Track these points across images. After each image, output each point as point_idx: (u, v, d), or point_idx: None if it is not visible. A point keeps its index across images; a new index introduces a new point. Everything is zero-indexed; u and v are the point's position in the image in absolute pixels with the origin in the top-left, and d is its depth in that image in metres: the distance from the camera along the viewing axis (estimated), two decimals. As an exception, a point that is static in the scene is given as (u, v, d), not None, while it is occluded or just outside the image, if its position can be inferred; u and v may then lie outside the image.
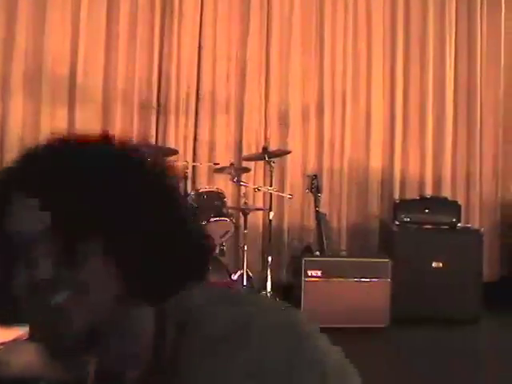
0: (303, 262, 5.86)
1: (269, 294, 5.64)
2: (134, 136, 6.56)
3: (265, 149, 5.71)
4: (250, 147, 6.75)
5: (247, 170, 5.87)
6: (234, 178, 5.55)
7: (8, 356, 3.45)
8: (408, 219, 6.48)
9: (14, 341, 3.54)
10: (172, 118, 6.61)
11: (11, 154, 6.23)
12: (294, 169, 6.85)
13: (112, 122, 6.52)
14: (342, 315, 5.77)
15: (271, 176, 5.81)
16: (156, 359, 1.13)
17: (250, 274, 5.73)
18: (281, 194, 5.83)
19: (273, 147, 6.39)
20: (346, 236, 7.05)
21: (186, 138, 6.62)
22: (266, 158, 5.65)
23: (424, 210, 6.49)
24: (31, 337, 3.37)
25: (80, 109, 6.42)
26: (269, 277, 5.66)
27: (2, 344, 3.49)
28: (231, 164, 5.73)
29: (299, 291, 5.81)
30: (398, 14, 7.14)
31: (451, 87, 7.24)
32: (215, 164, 5.94)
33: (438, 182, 7.20)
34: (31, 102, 6.33)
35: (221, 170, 5.88)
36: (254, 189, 5.73)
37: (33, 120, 6.32)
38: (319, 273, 5.83)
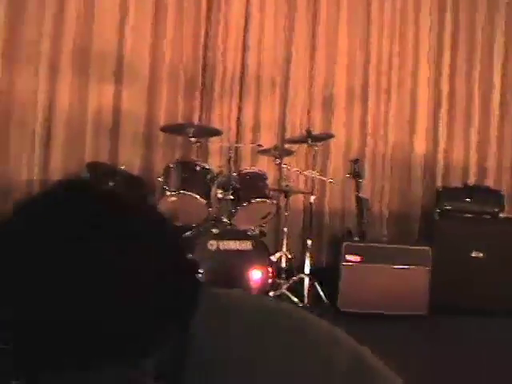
0: (343, 246, 5.86)
1: (307, 277, 5.65)
2: (179, 115, 6.60)
3: (308, 132, 5.69)
4: (294, 129, 6.75)
5: (291, 152, 5.86)
6: (276, 161, 5.56)
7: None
8: (450, 207, 6.42)
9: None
10: (216, 98, 6.62)
11: (59, 131, 6.34)
12: (337, 153, 6.83)
13: (158, 101, 6.57)
14: (380, 301, 5.77)
15: (314, 159, 5.79)
16: None
17: (289, 256, 5.74)
18: (323, 178, 5.81)
19: (316, 130, 6.39)
20: (387, 222, 7.00)
21: (229, 118, 6.63)
22: (310, 142, 5.63)
23: (466, 199, 6.43)
24: None
25: (126, 87, 6.48)
26: (307, 260, 5.67)
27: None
28: (275, 146, 5.73)
29: (337, 275, 5.81)
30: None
31: (499, 74, 7.13)
32: (259, 146, 5.95)
33: (481, 171, 7.12)
34: (79, 80, 6.39)
35: (264, 152, 5.89)
36: (298, 171, 5.73)
37: (80, 97, 6.39)
38: (358, 258, 5.82)
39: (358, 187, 6.52)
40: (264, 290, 5.15)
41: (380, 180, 7.00)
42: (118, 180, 5.38)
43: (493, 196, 6.49)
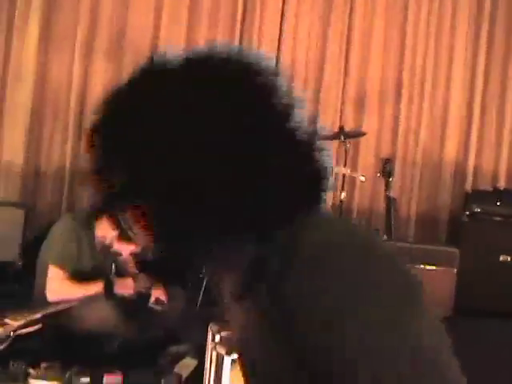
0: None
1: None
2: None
3: (341, 128, 5.71)
4: (326, 125, 6.76)
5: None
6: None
7: (83, 312, 3.61)
8: (479, 210, 6.41)
9: (89, 297, 3.69)
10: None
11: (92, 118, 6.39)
12: (367, 151, 6.84)
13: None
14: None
15: (345, 156, 5.82)
16: (256, 283, 1.11)
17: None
18: (354, 175, 5.83)
19: (348, 127, 6.41)
20: (415, 224, 7.00)
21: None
22: (342, 138, 5.66)
23: (496, 202, 6.41)
24: (106, 294, 3.51)
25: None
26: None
27: (76, 300, 3.63)
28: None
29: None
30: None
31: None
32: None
33: (510, 176, 7.10)
34: (113, 66, 6.45)
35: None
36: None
37: (114, 83, 6.42)
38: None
39: (387, 187, 6.52)
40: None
41: (409, 181, 6.99)
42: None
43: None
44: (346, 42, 6.86)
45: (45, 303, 3.77)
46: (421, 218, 7.04)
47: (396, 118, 6.97)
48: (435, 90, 7.05)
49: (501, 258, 6.20)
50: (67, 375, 3.18)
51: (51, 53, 6.33)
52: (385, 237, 6.19)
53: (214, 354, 2.66)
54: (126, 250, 3.90)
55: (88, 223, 3.90)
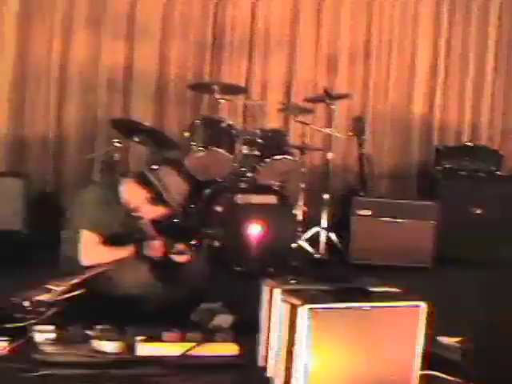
0: (353, 201, 6.12)
1: (323, 231, 5.91)
2: (190, 72, 6.74)
3: (326, 91, 5.91)
4: (300, 87, 6.96)
5: (310, 111, 6.08)
6: (296, 118, 5.78)
7: (120, 274, 3.74)
8: (450, 165, 6.74)
9: (124, 260, 3.81)
10: (226, 55, 6.77)
11: (72, 87, 6.43)
12: (340, 111, 7.02)
13: (168, 58, 6.69)
14: (389, 254, 6.05)
15: (330, 118, 6.02)
16: None
17: (305, 209, 5.98)
18: (338, 134, 6.04)
19: (320, 88, 6.62)
20: (386, 179, 7.29)
21: (239, 76, 6.79)
22: (328, 101, 5.86)
23: (465, 157, 6.74)
24: (138, 257, 3.66)
25: (138, 45, 6.58)
26: (324, 214, 5.92)
27: (110, 264, 3.75)
28: (295, 105, 5.95)
29: (349, 229, 6.08)
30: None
31: (493, 37, 7.42)
32: (283, 104, 6.16)
33: (474, 131, 7.45)
34: (92, 37, 6.47)
35: (285, 110, 6.10)
36: (317, 129, 5.95)
37: (94, 54, 6.48)
38: (369, 212, 6.08)
39: (361, 144, 6.77)
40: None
41: (380, 138, 7.25)
42: (143, 136, 5.51)
43: (491, 155, 6.83)
44: (317, 3, 7.01)
45: (76, 268, 3.86)
46: (391, 174, 7.32)
47: (366, 77, 7.20)
48: (401, 49, 7.32)
49: (473, 211, 6.53)
50: (127, 335, 3.30)
51: (31, 27, 6.31)
52: (361, 193, 6.44)
53: (286, 306, 2.83)
54: (152, 213, 4.04)
55: (115, 189, 4.01)
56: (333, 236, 5.97)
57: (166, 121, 6.66)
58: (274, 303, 3.05)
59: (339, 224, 6.25)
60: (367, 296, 2.98)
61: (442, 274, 6.05)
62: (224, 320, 3.72)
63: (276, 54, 6.93)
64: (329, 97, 5.86)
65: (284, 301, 2.86)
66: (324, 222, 5.93)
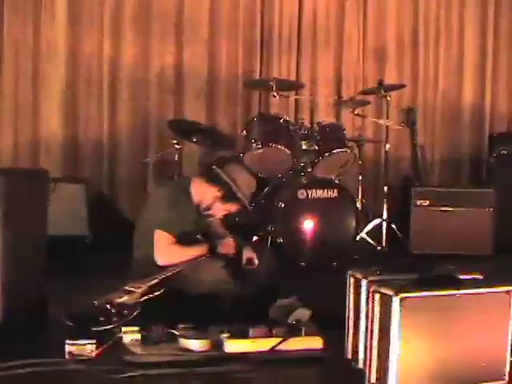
0: (412, 191, 6.09)
1: (385, 222, 5.89)
2: (239, 71, 6.75)
3: (381, 82, 5.89)
4: (349, 81, 6.94)
5: (367, 103, 6.06)
6: (355, 111, 5.77)
7: (196, 273, 3.76)
8: (505, 152, 6.67)
9: (198, 259, 3.82)
10: (275, 52, 6.78)
11: (123, 89, 6.48)
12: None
13: (217, 57, 6.71)
14: (449, 243, 6.00)
15: (387, 109, 6.00)
16: None
17: (364, 201, 5.97)
18: (396, 126, 6.02)
19: (370, 81, 6.60)
20: (438, 167, 7.25)
21: (288, 73, 6.80)
22: (383, 92, 5.83)
23: (522, 143, 6.68)
24: (211, 255, 3.66)
25: (187, 45, 6.62)
26: (385, 205, 5.90)
27: (185, 263, 3.77)
28: (352, 98, 5.95)
29: (408, 220, 6.05)
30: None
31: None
32: (339, 97, 6.16)
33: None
34: (141, 38, 6.52)
35: (341, 104, 6.10)
36: (375, 121, 5.94)
37: (143, 55, 6.52)
38: (427, 202, 6.05)
39: (413, 135, 6.74)
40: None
41: (430, 127, 7.20)
42: (201, 135, 5.54)
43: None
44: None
45: (149, 268, 3.88)
46: (443, 162, 7.27)
47: (415, 68, 7.16)
48: (449, 38, 7.27)
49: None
50: (210, 332, 3.33)
51: (80, 29, 6.37)
52: (416, 183, 6.41)
53: (377, 296, 2.83)
54: (223, 211, 4.06)
55: (185, 189, 4.04)
56: (394, 227, 5.93)
57: (218, 120, 6.67)
58: (363, 294, 3.04)
59: (399, 215, 6.21)
60: (456, 283, 2.96)
61: (501, 262, 5.99)
62: (302, 314, 3.71)
63: (324, 49, 6.92)
64: (384, 88, 5.83)
65: (376, 291, 2.84)
66: (385, 214, 5.89)
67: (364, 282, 3.07)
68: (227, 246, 4.03)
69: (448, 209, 6.08)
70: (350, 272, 3.20)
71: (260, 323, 3.47)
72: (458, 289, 2.88)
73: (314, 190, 5.32)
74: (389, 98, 5.92)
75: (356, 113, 5.81)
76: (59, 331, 3.40)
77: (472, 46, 7.28)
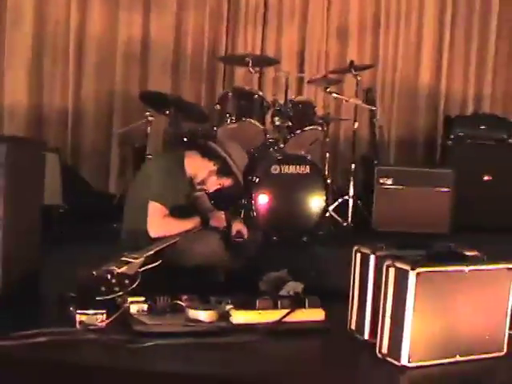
0: (376, 170, 6.22)
1: (351, 199, 6.01)
2: (205, 43, 6.75)
3: (352, 63, 5.99)
4: (312, 58, 7.02)
5: (338, 81, 6.15)
6: (327, 89, 5.85)
7: (193, 245, 3.79)
8: (462, 134, 6.87)
9: (191, 231, 3.85)
10: (241, 26, 6.80)
11: (90, 60, 6.40)
12: (351, 82, 7.09)
13: (184, 30, 6.68)
14: (409, 221, 6.16)
15: (356, 88, 6.10)
16: None
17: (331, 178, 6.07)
18: (365, 105, 6.12)
19: (332, 59, 6.72)
20: (394, 148, 7.42)
21: (253, 48, 6.83)
22: (353, 72, 5.93)
23: (478, 126, 6.88)
24: (203, 228, 3.69)
25: (154, 17, 6.58)
26: (351, 183, 6.02)
27: (177, 235, 3.79)
28: (324, 75, 6.03)
29: (372, 197, 6.19)
30: None
31: (496, 9, 7.56)
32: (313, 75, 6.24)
33: (478, 100, 7.60)
34: (108, 9, 6.44)
35: (313, 82, 6.17)
36: (345, 100, 6.02)
37: (110, 27, 6.46)
38: (390, 180, 6.19)
39: (372, 115, 6.88)
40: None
41: (388, 108, 7.36)
42: (174, 108, 5.53)
43: (501, 123, 6.98)
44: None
45: (140, 240, 3.89)
46: (400, 142, 7.45)
47: (375, 49, 7.29)
48: (408, 21, 7.41)
49: (484, 178, 6.69)
50: (215, 304, 3.37)
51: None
52: (375, 161, 6.55)
53: (392, 270, 2.92)
54: (217, 185, 4.09)
55: (180, 162, 4.04)
56: (358, 204, 6.07)
57: (182, 92, 6.66)
58: (370, 269, 3.14)
59: (363, 193, 6.35)
60: (463, 259, 3.09)
61: (458, 240, 6.16)
62: (294, 287, 3.79)
63: (288, 26, 6.96)
64: (354, 68, 5.93)
65: (391, 266, 2.94)
66: (351, 191, 6.01)
67: (372, 257, 3.16)
68: (218, 218, 4.07)
69: (409, 188, 6.23)
70: (355, 247, 3.29)
71: (251, 295, 3.52)
72: (466, 265, 3.00)
73: (286, 166, 5.38)
74: (359, 78, 6.01)
75: (328, 91, 5.86)
76: (58, 301, 3.38)
77: (430, 29, 7.44)
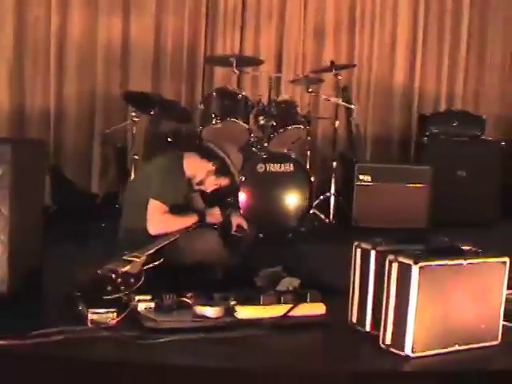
0: (355, 167, 6.37)
1: (333, 196, 6.14)
2: (185, 44, 6.82)
3: (332, 62, 6.12)
4: (290, 58, 7.14)
5: (321, 81, 6.26)
6: (309, 89, 5.97)
7: (196, 243, 3.87)
8: (437, 131, 7.05)
9: (189, 228, 3.92)
10: (220, 27, 6.89)
11: (71, 62, 6.44)
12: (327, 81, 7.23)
13: (164, 31, 6.75)
14: (388, 217, 6.32)
15: (337, 88, 6.23)
16: None
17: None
18: (346, 104, 6.25)
19: (309, 58, 6.85)
20: (370, 145, 7.58)
21: (232, 48, 6.92)
22: (334, 71, 6.06)
23: (451, 123, 7.07)
24: (203, 225, 3.80)
25: (134, 19, 6.63)
26: (333, 180, 6.14)
27: (176, 233, 3.87)
28: (306, 76, 6.14)
29: (352, 193, 6.33)
30: None
31: (467, 10, 7.77)
32: (297, 75, 6.34)
33: (450, 98, 7.80)
34: (88, 11, 6.48)
35: (296, 81, 6.28)
36: (327, 99, 6.15)
37: (90, 28, 6.50)
38: (369, 177, 6.34)
39: (349, 113, 7.02)
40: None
41: (364, 106, 7.51)
42: (159, 108, 5.60)
43: (474, 120, 7.18)
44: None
45: (138, 238, 3.96)
46: (375, 140, 7.61)
47: (351, 48, 7.43)
48: (383, 22, 7.57)
49: (458, 173, 6.88)
50: (219, 300, 3.46)
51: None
52: (354, 159, 6.69)
53: (395, 264, 3.05)
54: (215, 185, 4.19)
55: (179, 163, 4.13)
56: (341, 201, 6.20)
57: (163, 92, 6.70)
58: (371, 263, 3.27)
59: (344, 190, 6.48)
60: (461, 253, 3.23)
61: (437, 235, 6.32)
62: (291, 283, 3.88)
63: (266, 27, 7.07)
64: (335, 68, 6.06)
65: (394, 260, 3.06)
66: (332, 188, 6.14)
67: (373, 252, 3.29)
68: (214, 215, 4.16)
69: (388, 184, 6.38)
70: (355, 243, 3.41)
71: (248, 291, 3.61)
72: (464, 258, 3.15)
73: (271, 164, 5.50)
74: (340, 78, 6.14)
75: (310, 90, 5.99)
76: (65, 300, 3.45)
77: (404, 29, 7.61)
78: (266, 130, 5.72)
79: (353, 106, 6.36)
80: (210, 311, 3.34)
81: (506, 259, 3.25)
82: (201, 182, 4.13)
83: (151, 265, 3.72)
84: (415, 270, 2.98)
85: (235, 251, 4.20)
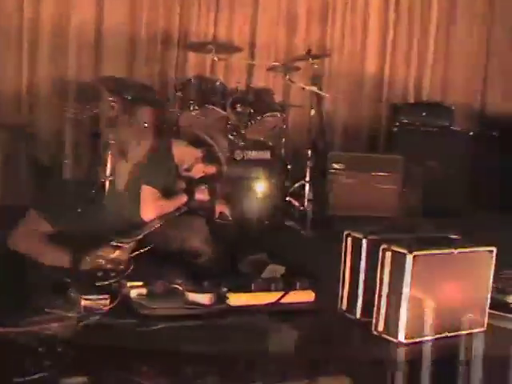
0: (328, 156, 6.42)
1: (307, 184, 6.17)
2: (159, 28, 6.78)
3: (309, 51, 6.14)
4: (262, 46, 7.15)
5: (298, 69, 6.28)
6: (286, 77, 5.99)
7: (178, 229, 3.87)
8: (407, 121, 7.15)
9: (182, 209, 3.92)
10: (194, 11, 6.86)
11: (43, 47, 6.35)
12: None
13: (139, 16, 6.70)
14: (361, 204, 6.40)
15: (313, 76, 6.25)
16: None
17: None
18: (320, 92, 6.27)
19: (282, 47, 6.87)
20: (339, 134, 7.64)
21: (205, 34, 6.90)
22: (311, 60, 6.09)
23: (421, 113, 7.17)
24: (191, 203, 3.83)
25: (107, 2, 6.58)
26: (308, 168, 6.17)
27: (168, 215, 3.87)
28: (283, 63, 6.16)
29: (325, 182, 6.39)
30: None
31: (436, 5, 7.89)
32: (274, 63, 6.34)
33: (418, 89, 7.91)
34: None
35: (273, 69, 6.29)
36: (302, 87, 6.16)
37: (63, 11, 6.41)
38: (343, 166, 6.41)
39: (319, 102, 7.04)
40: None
41: (334, 96, 7.54)
42: (134, 92, 5.56)
43: (443, 110, 7.28)
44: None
45: (126, 223, 3.97)
46: (345, 129, 7.67)
47: (322, 39, 7.47)
48: (355, 9, 7.62)
49: (428, 164, 6.98)
50: (210, 288, 3.47)
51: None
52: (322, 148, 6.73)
53: (389, 253, 3.10)
54: (202, 172, 4.20)
55: (169, 149, 4.13)
56: (313, 189, 6.23)
57: (135, 77, 6.66)
58: (363, 252, 3.32)
59: (318, 178, 6.52)
60: (451, 242, 3.30)
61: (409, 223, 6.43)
62: (276, 270, 3.92)
63: (240, 13, 7.06)
64: (311, 57, 6.09)
65: (388, 249, 3.11)
66: (307, 176, 6.16)
67: (364, 241, 3.34)
68: (202, 192, 4.18)
69: (361, 173, 6.46)
70: (346, 232, 3.46)
71: (232, 278, 3.65)
72: (455, 247, 3.21)
73: (249, 152, 5.51)
74: (316, 66, 6.17)
75: (288, 78, 6.02)
76: (54, 286, 3.43)
77: (375, 17, 7.65)
78: (243, 117, 5.71)
79: (326, 95, 6.36)
80: (203, 298, 3.36)
81: (493, 248, 3.32)
82: (188, 169, 4.14)
83: (140, 251, 3.71)
84: (409, 258, 3.04)
85: (220, 238, 4.22)
